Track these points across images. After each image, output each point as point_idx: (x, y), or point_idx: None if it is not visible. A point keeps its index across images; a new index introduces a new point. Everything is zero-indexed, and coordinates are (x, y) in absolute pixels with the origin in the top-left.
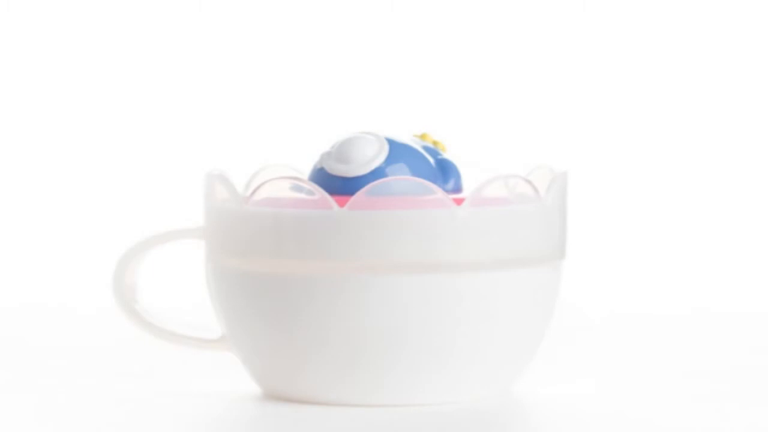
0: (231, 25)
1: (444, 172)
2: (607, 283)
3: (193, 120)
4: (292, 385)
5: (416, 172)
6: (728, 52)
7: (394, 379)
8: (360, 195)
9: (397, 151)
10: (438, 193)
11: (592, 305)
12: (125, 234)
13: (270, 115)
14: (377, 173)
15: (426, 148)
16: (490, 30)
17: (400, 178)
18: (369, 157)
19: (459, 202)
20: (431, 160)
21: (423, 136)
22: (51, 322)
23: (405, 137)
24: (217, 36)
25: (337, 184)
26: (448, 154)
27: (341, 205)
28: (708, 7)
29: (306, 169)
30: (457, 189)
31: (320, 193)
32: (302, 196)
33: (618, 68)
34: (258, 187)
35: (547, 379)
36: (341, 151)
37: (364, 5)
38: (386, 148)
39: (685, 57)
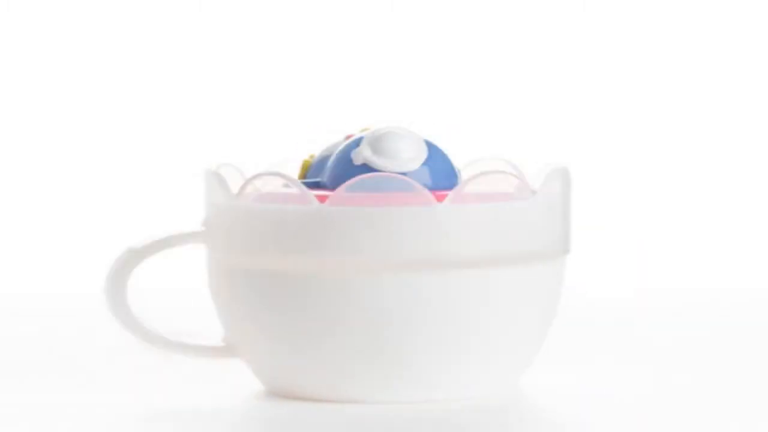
0: (227, 23)
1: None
2: (613, 278)
3: (193, 118)
4: (296, 383)
5: (445, 171)
6: (727, 50)
7: (398, 376)
8: (341, 191)
9: (433, 151)
10: (418, 188)
11: (597, 300)
12: (123, 235)
13: (269, 112)
14: (420, 170)
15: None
16: (489, 29)
17: (383, 175)
18: (413, 154)
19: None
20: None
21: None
22: (52, 321)
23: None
24: (215, 35)
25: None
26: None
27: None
28: (708, 7)
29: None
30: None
31: (300, 188)
32: (287, 191)
33: (617, 64)
34: (245, 184)
35: (553, 374)
36: (383, 145)
37: (364, 4)
38: (424, 146)
39: (684, 54)
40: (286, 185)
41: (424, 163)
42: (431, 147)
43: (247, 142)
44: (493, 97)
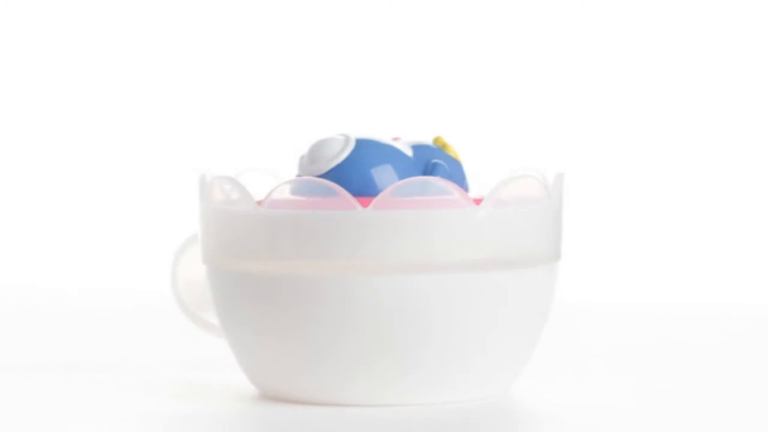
0: (224, 28)
1: (431, 173)
2: (604, 283)
3: (178, 122)
4: (292, 386)
5: (387, 168)
6: (722, 52)
7: (396, 379)
8: (386, 194)
9: (365, 149)
10: (455, 193)
11: (590, 305)
12: (115, 237)
13: (266, 118)
14: (339, 169)
15: (428, 150)
16: (489, 32)
17: (422, 179)
18: (333, 154)
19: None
20: (409, 154)
21: (436, 140)
22: (48, 323)
23: (385, 138)
24: (212, 38)
25: None
26: (456, 159)
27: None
28: (706, 8)
29: (286, 173)
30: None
31: (343, 193)
32: (301, 198)
33: (612, 71)
34: (273, 190)
35: (546, 379)
36: (311, 152)
37: (362, 7)
38: (351, 145)
39: (679, 57)
40: (328, 190)
41: (341, 164)
42: (364, 147)
43: (242, 150)
44: (490, 102)
